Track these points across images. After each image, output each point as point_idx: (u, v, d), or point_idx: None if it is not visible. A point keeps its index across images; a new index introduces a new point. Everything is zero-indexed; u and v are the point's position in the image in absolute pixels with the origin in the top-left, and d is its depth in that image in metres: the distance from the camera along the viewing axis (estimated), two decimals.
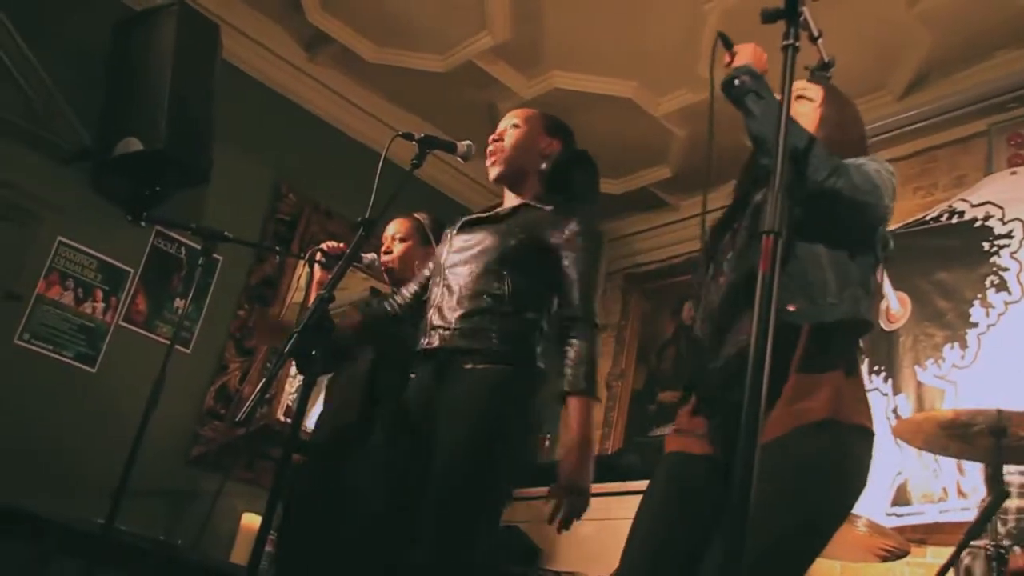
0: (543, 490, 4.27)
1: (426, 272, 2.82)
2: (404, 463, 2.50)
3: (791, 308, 1.89)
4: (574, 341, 2.46)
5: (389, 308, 2.86)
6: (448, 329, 2.51)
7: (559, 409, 2.48)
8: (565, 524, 2.36)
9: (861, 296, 1.98)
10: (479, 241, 2.61)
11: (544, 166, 2.73)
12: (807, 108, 2.17)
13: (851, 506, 1.91)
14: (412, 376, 2.62)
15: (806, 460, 1.83)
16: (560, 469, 2.36)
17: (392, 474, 2.52)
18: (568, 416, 2.41)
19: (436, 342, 2.52)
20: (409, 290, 2.85)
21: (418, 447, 2.46)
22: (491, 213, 2.71)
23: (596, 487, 4.18)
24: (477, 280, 2.54)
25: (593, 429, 2.42)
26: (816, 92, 2.19)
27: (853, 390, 1.92)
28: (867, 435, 1.93)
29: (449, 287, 2.58)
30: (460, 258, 2.62)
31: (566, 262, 2.54)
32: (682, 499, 1.99)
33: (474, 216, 2.74)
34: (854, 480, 1.90)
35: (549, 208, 2.62)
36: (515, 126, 2.76)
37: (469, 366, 2.44)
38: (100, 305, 4.53)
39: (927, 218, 4.36)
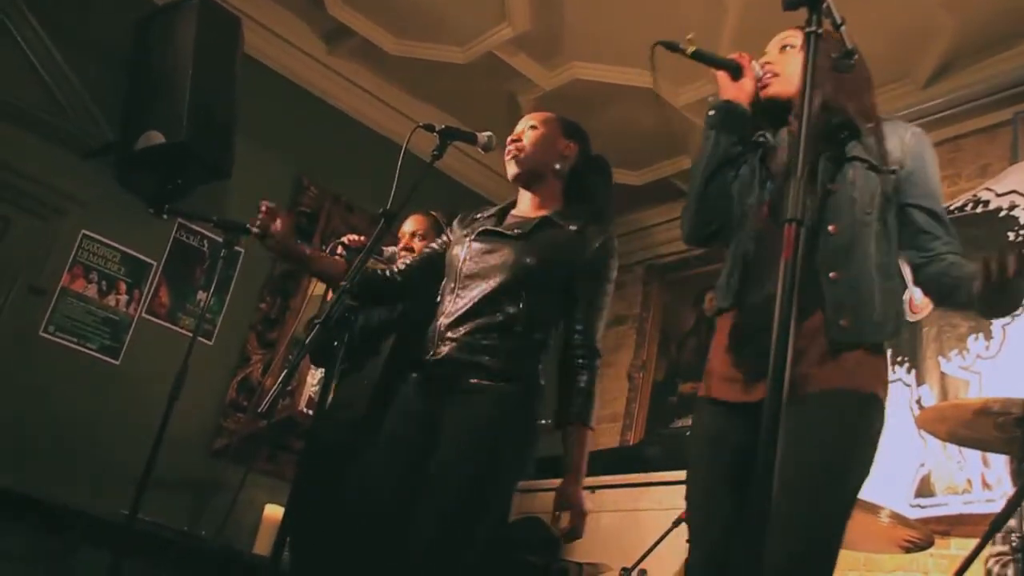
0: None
1: (433, 247, 2.82)
2: (404, 465, 2.51)
3: (843, 323, 1.92)
4: (585, 373, 2.57)
5: (386, 273, 2.82)
6: (457, 342, 2.51)
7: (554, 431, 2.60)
8: (568, 540, 2.50)
9: (902, 323, 2.04)
10: (498, 255, 2.59)
11: (559, 167, 2.72)
12: (797, 57, 2.16)
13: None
14: (414, 378, 2.62)
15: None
16: (569, 494, 2.47)
17: (394, 473, 2.53)
18: (569, 441, 2.53)
19: (444, 352, 2.52)
20: (408, 262, 2.84)
21: (417, 450, 2.48)
22: (513, 230, 2.66)
23: (617, 478, 4.18)
24: (492, 296, 2.53)
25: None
26: (797, 37, 2.19)
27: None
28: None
29: (463, 297, 2.57)
30: (477, 270, 2.59)
31: (585, 287, 2.61)
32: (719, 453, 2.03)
33: (494, 227, 2.70)
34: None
35: (572, 228, 2.61)
36: (533, 127, 2.76)
37: (475, 381, 2.46)
38: (123, 297, 4.56)
39: (951, 207, 4.31)
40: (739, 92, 2.18)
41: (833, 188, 2.01)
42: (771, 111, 2.19)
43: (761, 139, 2.22)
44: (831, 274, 1.95)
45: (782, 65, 2.18)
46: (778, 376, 1.32)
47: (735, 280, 2.10)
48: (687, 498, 2.10)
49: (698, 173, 2.19)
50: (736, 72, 2.19)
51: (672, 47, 2.14)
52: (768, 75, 2.18)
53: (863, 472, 1.91)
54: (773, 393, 1.34)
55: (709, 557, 1.98)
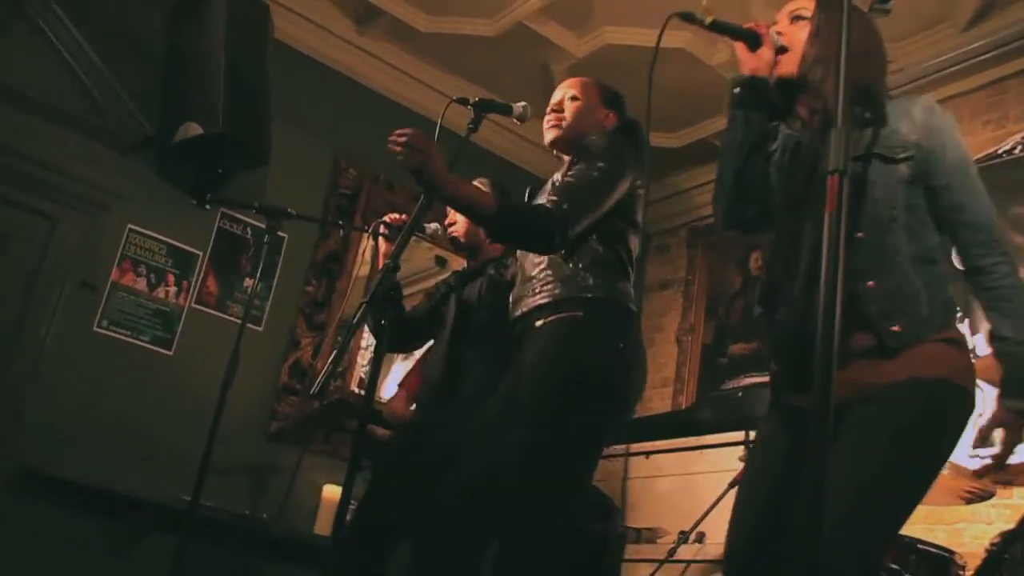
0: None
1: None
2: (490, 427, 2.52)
3: (896, 329, 1.83)
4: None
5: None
6: (522, 299, 2.58)
7: None
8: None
9: (952, 309, 1.93)
10: None
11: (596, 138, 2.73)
12: (807, 30, 2.07)
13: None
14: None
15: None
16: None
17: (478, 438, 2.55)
18: None
19: (519, 312, 2.59)
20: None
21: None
22: None
23: (672, 443, 4.18)
24: (543, 259, 2.59)
25: (460, 188, 2.46)
26: (808, 8, 2.10)
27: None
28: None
29: (523, 267, 2.65)
30: None
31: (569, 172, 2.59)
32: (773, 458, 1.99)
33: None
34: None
35: None
36: (574, 98, 2.78)
37: (540, 323, 2.48)
38: (172, 289, 4.62)
39: (999, 151, 4.23)
40: (758, 63, 2.09)
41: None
42: (781, 91, 2.09)
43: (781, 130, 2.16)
44: (868, 283, 1.84)
45: (792, 38, 2.08)
46: (827, 344, 1.29)
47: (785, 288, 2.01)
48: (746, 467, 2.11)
49: (732, 153, 2.10)
50: (754, 42, 2.10)
51: (689, 18, 2.08)
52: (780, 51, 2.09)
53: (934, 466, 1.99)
54: (823, 372, 1.30)
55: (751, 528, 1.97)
